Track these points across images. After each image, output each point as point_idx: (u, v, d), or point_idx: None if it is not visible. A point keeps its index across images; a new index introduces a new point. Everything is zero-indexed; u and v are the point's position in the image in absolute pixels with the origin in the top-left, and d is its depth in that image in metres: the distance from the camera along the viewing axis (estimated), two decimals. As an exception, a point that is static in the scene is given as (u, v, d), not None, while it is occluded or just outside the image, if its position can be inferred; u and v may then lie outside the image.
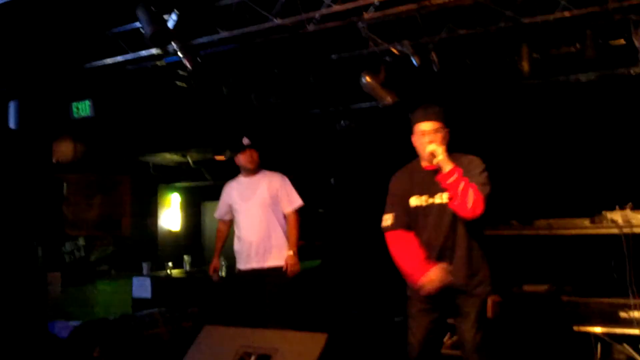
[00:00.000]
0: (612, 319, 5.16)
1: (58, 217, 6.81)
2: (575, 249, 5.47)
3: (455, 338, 5.46)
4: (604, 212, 5.27)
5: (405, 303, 5.23)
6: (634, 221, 5.05)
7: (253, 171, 4.86)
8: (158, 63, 5.83)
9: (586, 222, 5.30)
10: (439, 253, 3.42)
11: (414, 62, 5.54)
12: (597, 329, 5.07)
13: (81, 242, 8.30)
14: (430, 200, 3.41)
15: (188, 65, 5.52)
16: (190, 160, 9.00)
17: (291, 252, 4.75)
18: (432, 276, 3.36)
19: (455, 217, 3.36)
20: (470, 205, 3.22)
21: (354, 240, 7.70)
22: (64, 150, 7.25)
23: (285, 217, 4.86)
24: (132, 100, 6.54)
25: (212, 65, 5.96)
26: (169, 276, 6.85)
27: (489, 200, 3.28)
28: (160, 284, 6.67)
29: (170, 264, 7.05)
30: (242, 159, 4.85)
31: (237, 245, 4.90)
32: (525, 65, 5.70)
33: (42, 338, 5.04)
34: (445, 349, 5.77)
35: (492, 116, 6.54)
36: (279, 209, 4.82)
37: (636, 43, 4.86)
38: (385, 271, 7.17)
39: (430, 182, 3.39)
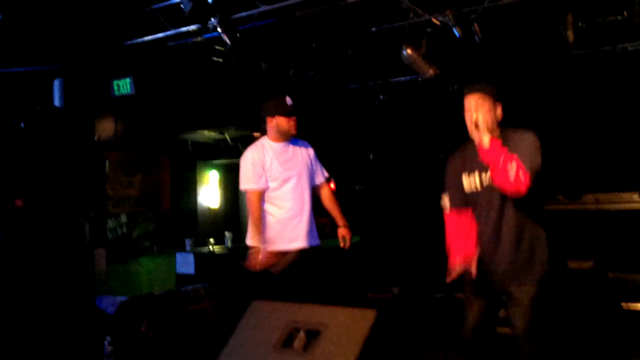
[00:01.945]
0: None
1: (102, 194, 6.91)
2: (623, 223, 5.35)
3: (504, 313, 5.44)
4: (655, 185, 5.16)
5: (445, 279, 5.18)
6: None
7: (289, 137, 4.27)
8: (198, 39, 5.82)
9: (635, 196, 5.19)
10: (489, 237, 3.33)
11: (456, 33, 5.42)
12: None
13: (123, 219, 8.42)
14: (482, 177, 3.31)
15: (227, 40, 5.50)
16: (228, 137, 9.03)
17: (345, 224, 4.35)
18: (451, 264, 3.38)
19: (504, 197, 3.24)
20: (512, 178, 3.07)
21: (393, 216, 7.66)
22: (106, 128, 7.34)
23: (318, 188, 4.43)
24: (171, 78, 6.56)
25: (251, 41, 5.92)
26: (212, 252, 6.92)
27: (540, 177, 3.16)
28: (203, 260, 6.74)
29: (212, 240, 7.11)
30: (284, 123, 4.18)
31: (274, 222, 4.24)
32: (570, 35, 5.54)
33: (90, 313, 5.13)
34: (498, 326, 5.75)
35: (536, 88, 6.39)
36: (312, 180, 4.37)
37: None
38: (425, 247, 7.17)
39: (479, 159, 3.28)
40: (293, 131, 4.22)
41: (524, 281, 3.30)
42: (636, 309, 4.98)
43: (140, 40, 5.76)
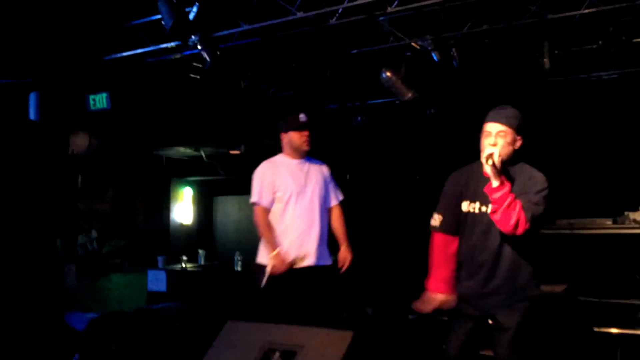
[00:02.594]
0: (633, 320, 5.13)
1: (74, 209, 6.81)
2: (596, 249, 5.42)
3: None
4: (626, 213, 5.23)
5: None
6: (657, 221, 5.01)
7: (304, 154, 4.28)
8: (177, 56, 5.80)
9: (608, 222, 5.26)
10: (480, 264, 3.30)
11: (435, 57, 5.49)
12: (617, 330, 5.02)
13: (94, 234, 8.29)
14: (484, 209, 3.25)
15: (207, 58, 5.49)
16: (203, 154, 8.97)
17: (347, 247, 4.41)
18: (423, 300, 3.44)
19: (504, 235, 3.20)
20: (512, 223, 3.06)
21: (367, 236, 7.66)
22: (80, 142, 7.23)
23: (329, 210, 4.43)
24: (147, 93, 6.51)
25: (231, 59, 5.91)
26: (184, 270, 6.84)
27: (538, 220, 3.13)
28: (175, 278, 6.66)
29: (185, 257, 7.04)
30: (296, 138, 4.19)
31: (284, 239, 4.21)
32: (547, 62, 5.64)
33: (60, 329, 5.03)
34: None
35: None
36: (326, 200, 4.37)
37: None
38: (399, 268, 7.18)
39: (484, 186, 3.23)
40: (306, 147, 4.24)
41: (512, 309, 3.28)
42: (607, 332, 5.03)
43: (118, 55, 5.72)
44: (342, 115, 7.25)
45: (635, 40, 5.45)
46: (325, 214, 4.36)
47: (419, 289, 5.45)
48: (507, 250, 3.25)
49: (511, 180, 3.18)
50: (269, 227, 4.21)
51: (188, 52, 5.71)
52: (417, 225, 7.09)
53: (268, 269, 4.15)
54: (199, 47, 5.23)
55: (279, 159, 4.31)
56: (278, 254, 4.13)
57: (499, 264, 3.27)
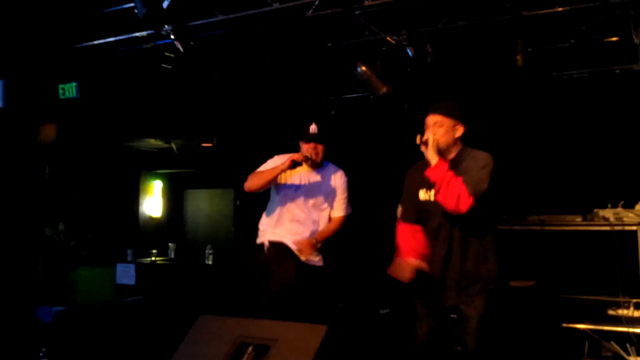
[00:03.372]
0: (601, 317, 5.20)
1: (41, 200, 6.67)
2: (565, 246, 5.48)
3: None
4: (595, 210, 5.29)
5: (389, 295, 5.21)
6: (626, 219, 5.08)
7: (314, 164, 4.25)
8: (149, 45, 5.71)
9: (578, 219, 5.32)
10: (438, 251, 3.39)
11: (409, 52, 5.49)
12: (586, 326, 5.08)
13: (61, 227, 8.14)
14: (434, 196, 3.34)
15: (180, 48, 5.41)
16: (174, 147, 8.87)
17: (317, 242, 4.35)
18: (398, 265, 3.45)
19: (456, 218, 3.29)
20: (454, 198, 3.17)
21: (340, 232, 7.66)
22: (48, 132, 7.09)
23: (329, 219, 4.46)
24: (118, 83, 6.41)
25: (204, 50, 5.84)
26: (154, 263, 6.75)
27: (487, 198, 3.22)
28: (145, 271, 6.57)
29: (154, 251, 6.95)
30: (304, 149, 4.19)
31: (281, 231, 4.27)
32: (520, 60, 5.69)
33: (27, 322, 4.92)
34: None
35: (484, 109, 6.52)
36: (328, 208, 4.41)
37: (636, 40, 4.86)
38: (370, 264, 7.18)
39: None
40: (315, 158, 4.18)
41: (473, 298, 3.35)
42: (575, 328, 5.08)
43: (90, 43, 5.61)
44: (317, 109, 7.22)
45: (606, 39, 5.53)
46: (325, 221, 4.39)
47: (390, 284, 5.46)
48: (459, 234, 3.33)
49: (457, 164, 3.31)
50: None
51: (161, 42, 5.63)
52: (390, 221, 7.13)
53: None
54: (173, 36, 5.16)
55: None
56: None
57: (453, 251, 3.35)
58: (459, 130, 3.39)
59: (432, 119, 3.37)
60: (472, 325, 3.35)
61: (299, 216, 4.28)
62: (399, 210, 3.56)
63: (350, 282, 7.10)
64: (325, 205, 4.37)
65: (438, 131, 3.33)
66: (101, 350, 4.82)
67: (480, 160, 3.32)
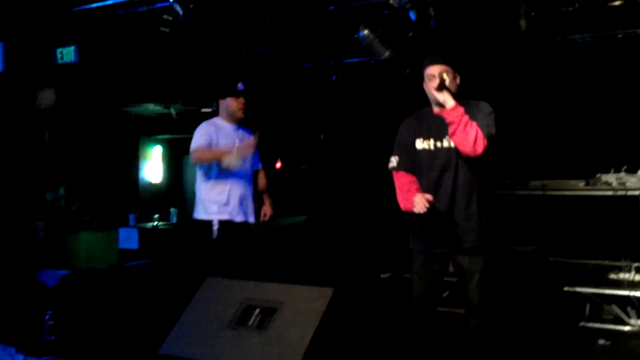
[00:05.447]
0: (602, 280, 5.25)
1: (42, 165, 6.65)
2: (568, 211, 5.50)
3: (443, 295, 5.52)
4: (598, 175, 5.30)
5: (391, 260, 5.23)
6: (628, 184, 5.09)
7: (238, 120, 4.65)
8: (148, 8, 5.62)
9: (581, 183, 5.33)
10: (440, 199, 3.42)
11: (412, 16, 5.43)
12: (587, 290, 5.13)
13: (62, 192, 8.13)
14: (438, 144, 3.47)
15: (180, 11, 5.35)
16: (173, 112, 8.81)
17: (270, 203, 4.77)
18: (416, 200, 3.39)
19: (460, 165, 3.40)
20: (471, 140, 3.27)
21: (340, 196, 7.67)
22: (46, 97, 7.03)
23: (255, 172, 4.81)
24: (117, 47, 6.33)
25: (204, 13, 5.76)
26: (156, 228, 6.77)
27: (493, 146, 3.33)
28: (147, 236, 6.59)
29: (157, 215, 6.96)
30: (234, 105, 4.58)
31: (217, 194, 4.50)
32: (523, 24, 5.63)
33: (31, 286, 4.95)
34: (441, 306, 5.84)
35: (487, 74, 6.47)
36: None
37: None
38: (372, 228, 7.21)
39: (439, 126, 3.46)
40: (241, 114, 4.59)
41: (474, 252, 3.41)
42: (577, 291, 5.14)
43: (88, 6, 5.52)
44: (317, 74, 7.16)
45: (610, 3, 5.46)
46: (252, 176, 4.72)
47: (392, 249, 5.52)
48: (464, 183, 3.41)
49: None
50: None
51: (160, 5, 5.54)
52: (391, 185, 7.14)
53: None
54: (173, -2, 5.08)
55: (217, 121, 4.65)
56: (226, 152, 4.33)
57: (457, 197, 3.42)
58: (458, 80, 3.53)
59: (437, 69, 3.46)
60: (473, 281, 3.41)
61: (239, 176, 4.51)
62: (394, 161, 3.61)
63: (351, 247, 7.14)
64: (250, 159, 4.65)
65: (447, 77, 3.43)
66: (106, 313, 4.86)
67: (485, 107, 3.46)
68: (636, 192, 5.06)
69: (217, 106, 6.48)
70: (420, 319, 3.57)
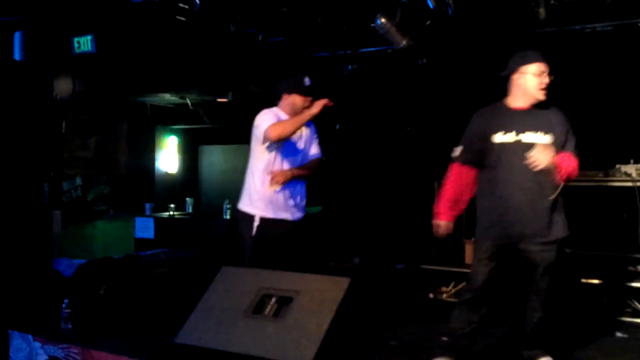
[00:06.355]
0: (621, 272, 5.19)
1: (59, 154, 6.69)
2: (586, 201, 5.43)
3: (458, 287, 5.49)
4: (617, 165, 5.24)
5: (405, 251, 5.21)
6: (648, 175, 5.03)
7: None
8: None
9: (600, 174, 5.27)
10: (520, 196, 3.48)
11: (430, 4, 5.38)
12: (604, 282, 5.09)
13: (78, 181, 8.19)
14: (518, 138, 3.51)
15: (197, 0, 5.34)
16: (189, 102, 8.83)
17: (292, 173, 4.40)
18: (441, 228, 3.71)
19: None
20: (575, 171, 3.49)
21: (356, 187, 7.64)
22: (63, 86, 7.06)
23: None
24: (133, 37, 6.33)
25: (220, 2, 5.74)
26: (172, 217, 6.80)
27: None
28: (163, 225, 6.62)
29: (172, 205, 6.98)
30: (300, 102, 4.32)
31: (266, 189, 4.29)
32: (542, 12, 5.57)
33: (48, 275, 4.98)
34: (448, 297, 5.82)
35: (506, 63, 6.40)
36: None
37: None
38: (387, 219, 7.18)
39: (519, 120, 3.54)
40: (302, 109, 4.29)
41: (550, 242, 3.51)
42: (595, 283, 5.10)
43: (105, -5, 5.53)
44: (333, 64, 7.12)
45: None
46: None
47: (407, 240, 5.51)
48: (549, 180, 3.46)
49: (541, 109, 3.60)
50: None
51: (176, -6, 5.53)
52: (407, 176, 7.11)
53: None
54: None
55: (279, 112, 4.38)
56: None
57: (541, 194, 3.48)
58: None
59: (544, 66, 3.65)
60: (540, 271, 3.52)
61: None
62: (458, 150, 3.69)
63: (367, 237, 7.12)
64: (308, 151, 4.48)
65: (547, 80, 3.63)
66: (123, 302, 4.88)
67: (566, 121, 3.67)
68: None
69: (233, 96, 6.47)
70: (480, 299, 3.64)
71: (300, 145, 4.40)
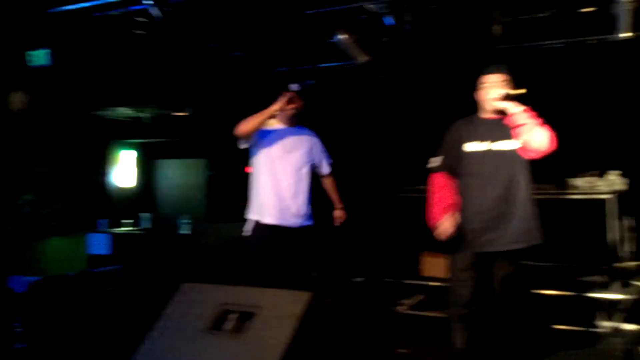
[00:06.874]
0: (571, 283, 5.31)
1: (11, 169, 6.53)
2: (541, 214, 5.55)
3: (417, 299, 5.54)
4: (567, 179, 5.38)
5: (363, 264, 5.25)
6: (596, 188, 5.18)
7: (294, 121, 4.58)
8: (123, 11, 5.55)
9: (550, 187, 5.39)
10: (492, 203, 3.53)
11: (388, 21, 5.46)
12: (555, 293, 5.19)
13: (30, 197, 8.00)
14: (488, 147, 3.59)
15: (157, 14, 5.31)
16: (145, 116, 8.74)
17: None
18: (443, 225, 3.66)
19: (514, 168, 3.54)
20: (548, 137, 3.46)
21: (314, 201, 7.64)
22: (17, 100, 6.92)
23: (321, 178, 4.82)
24: (88, 50, 6.25)
25: (179, 16, 5.71)
26: (129, 233, 6.69)
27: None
28: (119, 241, 6.51)
29: (128, 221, 6.87)
30: (284, 105, 4.42)
31: (257, 194, 4.45)
32: (497, 29, 5.71)
33: (1, 292, 4.84)
34: (407, 309, 5.86)
35: (461, 80, 6.52)
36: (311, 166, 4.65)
37: (614, 10, 4.90)
38: (344, 232, 7.19)
39: (491, 129, 3.63)
40: (290, 114, 4.50)
41: (521, 249, 3.55)
42: (544, 294, 5.19)
43: (63, 8, 5.43)
44: (292, 78, 7.14)
45: (582, 10, 5.55)
46: (308, 179, 4.60)
47: (365, 253, 5.54)
48: (522, 187, 3.55)
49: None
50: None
51: (136, 7, 5.48)
52: (365, 190, 7.14)
53: None
54: (150, 0, 5.03)
55: (274, 122, 4.52)
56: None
57: (515, 202, 3.53)
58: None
59: (498, 77, 3.70)
60: (514, 282, 3.57)
61: (288, 177, 4.43)
62: (437, 161, 3.78)
63: (324, 251, 7.11)
64: (307, 160, 4.59)
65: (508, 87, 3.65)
66: (78, 320, 4.77)
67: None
68: (604, 196, 5.15)
69: (191, 110, 6.45)
70: (472, 315, 3.66)
71: (288, 148, 4.48)
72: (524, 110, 3.51)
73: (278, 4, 5.51)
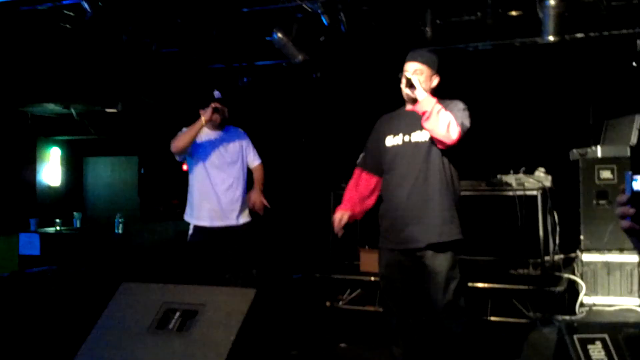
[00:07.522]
0: (503, 276, 5.52)
1: None
2: (470, 210, 5.73)
3: (354, 294, 5.64)
4: (499, 176, 5.58)
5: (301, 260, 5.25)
6: (527, 184, 5.40)
7: (220, 126, 4.70)
8: (53, 4, 5.40)
9: (482, 184, 5.58)
10: (408, 194, 3.41)
11: (324, 21, 5.53)
12: (489, 285, 5.38)
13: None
14: (406, 139, 3.47)
15: (88, 8, 5.19)
16: (74, 112, 8.50)
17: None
18: (334, 221, 3.62)
19: (428, 161, 3.39)
20: (445, 124, 3.27)
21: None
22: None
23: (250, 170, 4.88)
24: (15, 44, 6.05)
25: (112, 11, 5.60)
26: (60, 233, 6.51)
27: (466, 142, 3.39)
28: (50, 241, 6.33)
29: (59, 220, 6.69)
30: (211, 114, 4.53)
31: (193, 197, 4.62)
32: (429, 31, 5.86)
33: None
34: (345, 304, 5.96)
35: (395, 80, 6.66)
36: (244, 163, 4.79)
37: (540, 14, 5.11)
38: (282, 230, 7.24)
39: (408, 121, 3.48)
40: (217, 121, 4.61)
41: (444, 249, 3.37)
42: (477, 287, 5.37)
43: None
44: (228, 76, 7.13)
45: (510, 13, 5.77)
46: (243, 177, 4.77)
47: (303, 250, 5.61)
48: (434, 177, 3.40)
49: None
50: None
51: (66, 2, 5.35)
52: (302, 187, 7.20)
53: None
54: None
55: (203, 129, 4.59)
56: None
57: (427, 192, 3.39)
58: (435, 81, 3.54)
59: (412, 66, 3.50)
60: (439, 281, 3.37)
61: (225, 181, 4.58)
62: (360, 157, 3.73)
63: (263, 249, 7.13)
64: (239, 159, 4.72)
65: (420, 76, 3.46)
66: (9, 322, 4.62)
67: (459, 103, 3.48)
68: (534, 192, 5.36)
69: (122, 107, 6.36)
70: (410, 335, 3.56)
71: (221, 151, 4.62)
72: (426, 98, 3.35)
73: (214, 1, 5.49)
